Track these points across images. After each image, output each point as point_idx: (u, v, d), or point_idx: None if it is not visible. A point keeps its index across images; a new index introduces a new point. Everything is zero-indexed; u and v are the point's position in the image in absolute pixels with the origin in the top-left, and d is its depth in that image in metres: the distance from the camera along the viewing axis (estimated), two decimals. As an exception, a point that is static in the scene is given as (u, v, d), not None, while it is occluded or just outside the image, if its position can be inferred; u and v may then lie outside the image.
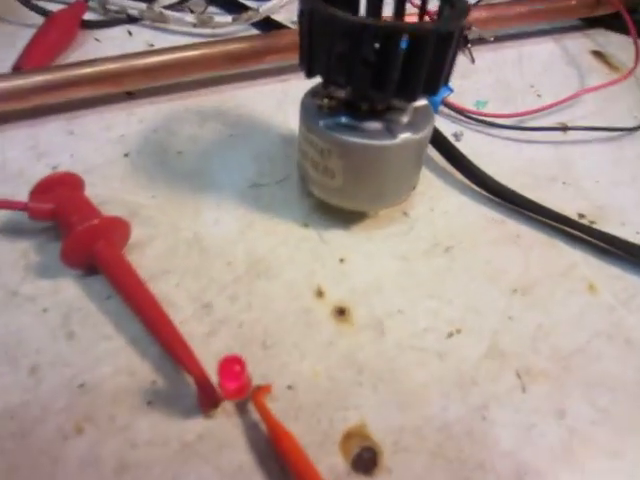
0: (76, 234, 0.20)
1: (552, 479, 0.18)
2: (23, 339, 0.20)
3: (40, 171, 0.26)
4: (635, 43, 0.35)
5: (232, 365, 0.17)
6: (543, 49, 0.39)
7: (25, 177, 0.26)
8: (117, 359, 0.20)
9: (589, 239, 0.26)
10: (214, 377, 0.18)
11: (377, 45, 0.19)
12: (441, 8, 0.21)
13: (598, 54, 0.39)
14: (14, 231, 0.23)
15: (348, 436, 0.19)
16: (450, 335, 0.22)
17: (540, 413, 0.20)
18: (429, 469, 0.18)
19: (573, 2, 0.37)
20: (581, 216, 0.27)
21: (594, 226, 0.26)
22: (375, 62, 0.19)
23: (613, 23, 0.41)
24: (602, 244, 0.25)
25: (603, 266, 0.25)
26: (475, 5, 0.39)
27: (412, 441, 0.19)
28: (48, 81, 0.28)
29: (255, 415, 0.18)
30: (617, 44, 0.40)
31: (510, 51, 0.38)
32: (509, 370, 0.21)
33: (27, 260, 0.22)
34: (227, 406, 0.19)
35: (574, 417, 0.20)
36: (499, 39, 0.38)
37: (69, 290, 0.21)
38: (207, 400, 0.18)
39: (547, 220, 0.26)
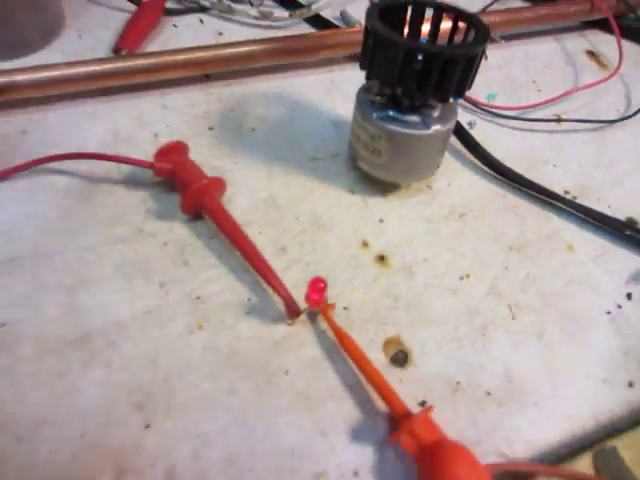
0: (192, 191, 0.27)
1: (531, 378, 0.25)
2: (151, 263, 0.27)
3: (144, 137, 0.32)
4: (619, 46, 0.41)
5: (318, 283, 0.24)
6: (545, 48, 0.45)
7: (133, 141, 0.32)
8: (221, 282, 0.27)
9: (571, 210, 0.32)
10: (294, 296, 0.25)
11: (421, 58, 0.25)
12: (467, 32, 0.27)
13: (591, 53, 0.45)
14: (136, 183, 0.30)
15: (387, 342, 0.26)
16: (462, 278, 0.29)
17: (524, 334, 0.27)
18: (445, 365, 0.25)
19: (571, 9, 0.43)
20: (566, 192, 0.34)
21: (576, 200, 0.33)
22: (420, 71, 0.26)
23: (606, 25, 0.46)
24: (581, 215, 0.32)
25: (580, 232, 0.32)
26: (489, 10, 0.44)
27: (432, 347, 0.26)
28: (148, 64, 0.34)
29: (323, 324, 0.25)
30: (608, 44, 0.46)
31: (517, 49, 0.44)
32: (503, 304, 0.28)
33: (146, 206, 0.29)
34: (302, 317, 0.26)
35: (549, 338, 0.27)
36: (508, 38, 0.44)
37: (181, 230, 0.28)
38: (291, 311, 0.25)
39: (539, 195, 0.33)
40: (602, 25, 0.47)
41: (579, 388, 0.25)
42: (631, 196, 0.34)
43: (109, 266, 0.26)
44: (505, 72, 0.42)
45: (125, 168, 0.30)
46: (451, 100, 0.29)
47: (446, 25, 0.28)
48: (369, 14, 0.26)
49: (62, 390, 0.23)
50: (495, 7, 0.46)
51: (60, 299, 0.25)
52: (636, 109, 0.39)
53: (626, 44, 0.45)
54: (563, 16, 0.44)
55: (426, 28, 0.29)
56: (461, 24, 0.28)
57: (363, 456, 0.22)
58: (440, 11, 0.28)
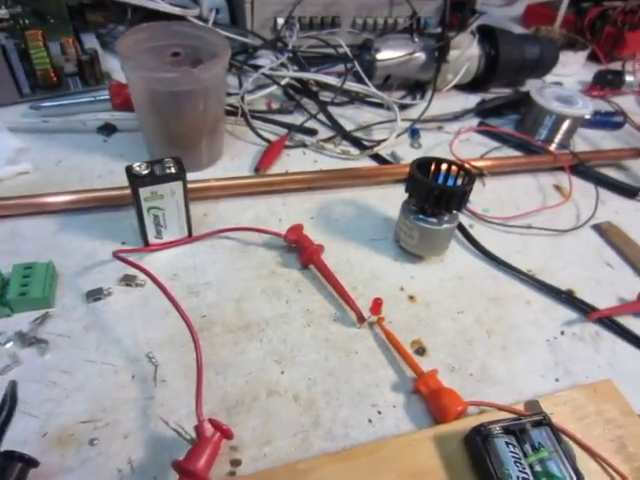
0: (307, 251, 0.46)
1: (497, 370, 0.42)
2: (280, 290, 0.46)
3: (273, 221, 0.52)
4: (569, 182, 0.61)
5: (377, 300, 0.42)
6: (525, 182, 0.64)
7: (267, 223, 0.52)
8: (320, 302, 0.45)
9: (530, 281, 0.50)
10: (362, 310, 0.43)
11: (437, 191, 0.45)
12: (458, 174, 0.47)
13: (557, 187, 0.64)
14: (271, 246, 0.49)
15: (413, 342, 0.43)
16: (459, 313, 0.46)
17: (494, 346, 0.44)
18: (446, 357, 0.42)
19: (541, 159, 0.63)
20: (529, 270, 0.52)
21: (535, 276, 0.51)
22: (437, 196, 0.45)
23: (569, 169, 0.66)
24: (536, 284, 0.50)
25: (536, 294, 0.49)
26: (486, 157, 0.65)
27: (440, 347, 0.43)
28: (275, 180, 0.55)
29: (377, 329, 0.43)
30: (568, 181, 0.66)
31: (506, 182, 0.64)
32: (483, 330, 0.45)
33: (277, 259, 0.48)
34: (366, 324, 0.44)
35: (510, 350, 0.44)
36: (500, 174, 0.64)
37: (297, 274, 0.47)
38: (359, 318, 0.43)
39: (511, 270, 0.51)
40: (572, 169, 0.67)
41: (525, 379, 0.42)
42: (571, 277, 0.52)
43: (258, 290, 0.46)
44: (496, 195, 0.62)
45: (265, 237, 0.50)
46: (454, 212, 0.48)
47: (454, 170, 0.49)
48: (412, 165, 0.47)
49: (237, 351, 0.41)
50: (492, 154, 0.67)
51: (232, 305, 0.44)
52: (581, 224, 0.58)
53: (579, 182, 0.65)
54: (536, 163, 0.64)
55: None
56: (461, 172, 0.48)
57: (398, 397, 0.39)
58: (449, 163, 0.48)
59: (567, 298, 0.49)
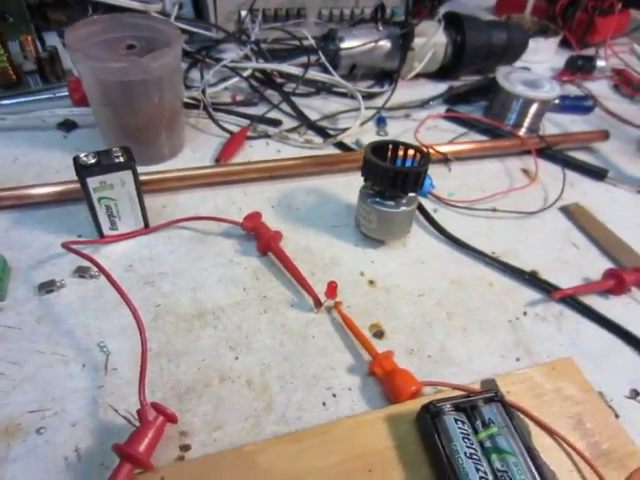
0: (264, 238, 0.46)
1: (456, 351, 0.43)
2: (238, 278, 0.46)
3: (234, 210, 0.53)
4: (535, 165, 0.62)
5: (332, 283, 0.42)
6: (492, 166, 0.65)
7: (227, 212, 0.52)
8: (277, 289, 0.45)
9: (494, 263, 0.50)
10: (319, 294, 0.43)
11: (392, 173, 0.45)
12: (415, 157, 0.48)
13: (524, 170, 0.65)
14: (229, 235, 0.50)
15: (372, 325, 0.43)
16: (419, 296, 0.46)
17: (454, 327, 0.44)
18: (405, 340, 0.43)
19: (506, 143, 0.64)
20: (493, 252, 0.52)
21: (500, 258, 0.51)
22: (391, 178, 0.46)
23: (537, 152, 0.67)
24: (500, 265, 0.50)
25: (499, 276, 0.49)
26: (453, 141, 0.66)
27: (398, 330, 0.43)
28: (236, 169, 0.55)
29: (335, 314, 0.43)
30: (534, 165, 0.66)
31: (472, 167, 0.64)
32: (444, 312, 0.45)
33: (235, 247, 0.48)
34: (323, 309, 0.44)
35: (470, 331, 0.44)
36: (467, 159, 0.65)
37: (255, 261, 0.47)
38: (316, 303, 0.43)
39: (474, 253, 0.51)
40: (538, 152, 0.67)
41: (485, 359, 0.42)
42: (537, 258, 0.52)
43: (215, 278, 0.46)
44: (462, 180, 0.62)
45: (223, 226, 0.50)
46: (411, 195, 0.48)
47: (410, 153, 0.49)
48: (366, 148, 0.47)
49: (191, 339, 0.41)
50: (461, 139, 0.67)
51: (188, 295, 0.44)
52: (547, 206, 0.59)
53: (547, 165, 0.66)
54: (502, 147, 0.65)
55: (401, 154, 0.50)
56: (417, 154, 0.48)
57: (354, 380, 0.39)
58: (405, 146, 0.49)
59: (530, 279, 0.49)
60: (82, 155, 0.42)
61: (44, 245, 0.46)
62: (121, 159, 0.42)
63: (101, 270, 0.40)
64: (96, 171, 0.41)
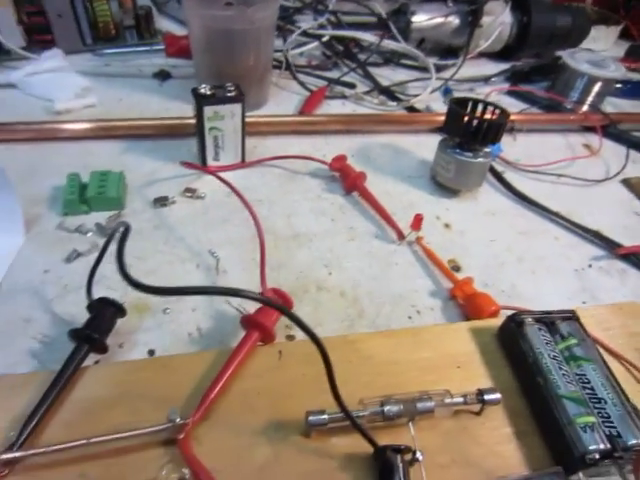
0: (350, 177, 0.51)
1: (528, 291, 0.47)
2: (326, 210, 0.50)
3: (317, 155, 0.57)
4: (600, 140, 0.65)
5: (418, 217, 0.47)
6: (555, 140, 0.68)
7: (314, 156, 0.57)
8: (363, 223, 0.49)
9: (559, 220, 0.54)
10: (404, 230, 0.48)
11: (475, 123, 0.50)
12: (499, 115, 0.52)
13: (586, 145, 0.69)
14: (316, 175, 0.55)
15: (449, 260, 0.48)
16: (491, 241, 0.50)
17: (526, 271, 0.48)
18: (479, 274, 0.47)
19: (571, 117, 0.68)
20: (558, 212, 0.56)
21: (566, 216, 0.55)
22: (473, 129, 0.50)
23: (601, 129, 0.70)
24: (564, 222, 0.54)
25: (564, 232, 0.53)
26: (520, 112, 0.70)
27: (473, 266, 0.48)
28: (317, 120, 0.60)
29: (416, 247, 0.48)
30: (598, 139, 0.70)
31: (536, 139, 0.68)
32: (513, 256, 0.49)
33: (322, 186, 0.53)
34: (405, 242, 0.48)
35: (539, 275, 0.48)
36: (530, 131, 0.69)
37: (341, 199, 0.52)
38: (399, 235, 0.48)
39: (540, 209, 0.55)
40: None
41: (553, 299, 0.45)
42: (598, 222, 0.55)
43: (305, 209, 0.50)
44: (526, 149, 0.65)
45: (310, 167, 0.55)
46: (486, 149, 0.53)
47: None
48: (450, 101, 0.51)
49: (289, 255, 0.45)
50: (527, 111, 0.71)
51: (283, 219, 0.49)
52: (610, 177, 0.62)
53: (610, 143, 0.69)
54: (566, 121, 0.68)
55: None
56: (496, 111, 0.52)
57: (435, 302, 0.44)
58: (485, 104, 0.53)
59: (595, 235, 0.53)
60: (201, 86, 0.47)
61: (153, 169, 0.52)
62: (234, 93, 0.47)
63: (230, 187, 0.46)
64: (212, 101, 0.47)
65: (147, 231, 0.45)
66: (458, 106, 0.52)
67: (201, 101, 0.46)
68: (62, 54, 0.62)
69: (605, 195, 0.60)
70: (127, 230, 0.29)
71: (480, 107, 0.53)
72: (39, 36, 0.65)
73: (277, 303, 0.36)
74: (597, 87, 0.71)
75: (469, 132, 0.50)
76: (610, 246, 0.52)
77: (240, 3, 0.57)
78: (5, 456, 0.26)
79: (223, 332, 0.38)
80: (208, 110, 0.47)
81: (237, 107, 0.48)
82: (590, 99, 0.72)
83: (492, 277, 0.47)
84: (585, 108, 0.72)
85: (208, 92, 0.47)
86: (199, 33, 0.56)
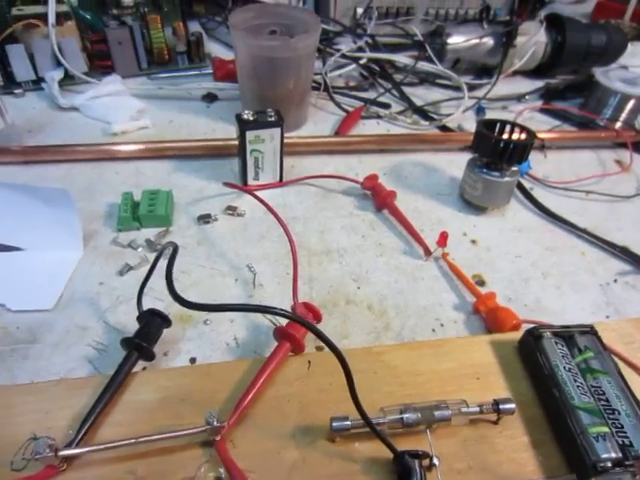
0: (381, 196, 0.53)
1: (551, 305, 0.47)
2: (357, 227, 0.52)
3: (350, 174, 0.59)
4: (631, 156, 0.65)
5: (444, 234, 0.48)
6: (586, 156, 0.68)
7: (347, 175, 0.59)
8: (392, 238, 0.51)
9: (586, 236, 0.54)
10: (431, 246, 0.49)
11: (502, 144, 0.50)
12: (522, 134, 0.52)
13: (618, 161, 0.68)
14: (349, 193, 0.56)
15: (474, 275, 0.48)
16: (516, 257, 0.51)
17: (549, 286, 0.48)
18: (503, 289, 0.48)
19: (602, 134, 0.67)
20: (584, 228, 0.56)
21: (594, 232, 0.55)
22: (501, 149, 0.51)
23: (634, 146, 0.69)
24: (591, 239, 0.54)
25: (590, 247, 0.53)
26: (551, 130, 0.69)
27: (499, 281, 0.48)
28: (352, 140, 0.62)
29: (442, 262, 0.49)
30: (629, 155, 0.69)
31: (566, 155, 0.68)
32: (539, 271, 0.50)
33: (355, 203, 0.55)
34: (431, 258, 0.50)
35: (564, 290, 0.48)
36: (562, 148, 0.68)
37: (372, 215, 0.54)
38: (426, 251, 0.49)
39: (567, 226, 0.55)
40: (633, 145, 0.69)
41: (577, 313, 0.46)
42: (627, 237, 0.55)
43: (338, 225, 0.52)
44: (557, 166, 0.65)
45: (344, 185, 0.57)
46: (514, 168, 0.53)
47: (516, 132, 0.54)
48: (478, 123, 0.52)
49: (321, 270, 0.48)
50: (557, 129, 0.71)
51: (316, 236, 0.51)
52: (638, 193, 0.61)
53: (641, 158, 0.68)
54: (597, 138, 0.68)
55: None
56: (523, 132, 0.53)
57: (459, 315, 0.45)
58: (512, 125, 0.54)
59: (622, 251, 0.52)
60: (244, 112, 0.50)
61: (198, 188, 0.55)
62: (274, 118, 0.50)
63: (265, 205, 0.49)
64: (254, 126, 0.49)
65: (191, 246, 0.48)
66: (487, 127, 0.53)
67: (244, 126, 0.49)
68: (120, 79, 0.66)
69: (635, 211, 0.59)
70: (175, 251, 0.32)
71: (508, 128, 0.54)
72: (100, 62, 0.70)
73: (306, 317, 0.38)
74: (630, 104, 0.70)
75: (496, 153, 0.50)
76: (637, 261, 0.51)
77: (283, 32, 0.60)
78: (65, 452, 0.29)
79: (258, 342, 0.40)
80: (250, 134, 0.50)
81: (276, 131, 0.50)
82: (624, 116, 0.71)
83: (516, 292, 0.47)
84: (618, 125, 0.71)
85: (250, 117, 0.50)
86: (245, 60, 0.59)
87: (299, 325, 0.37)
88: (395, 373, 0.38)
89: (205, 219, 0.50)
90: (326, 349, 0.41)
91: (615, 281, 0.50)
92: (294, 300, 0.40)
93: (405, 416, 0.32)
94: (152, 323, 0.36)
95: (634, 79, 0.70)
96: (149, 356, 0.35)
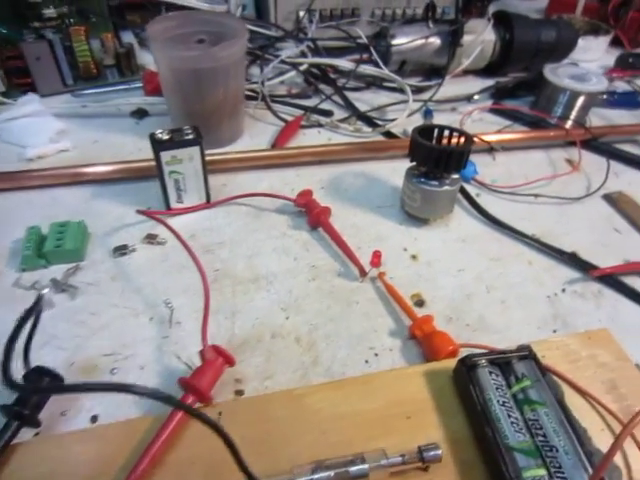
0: (314, 213, 0.49)
1: (494, 320, 0.44)
2: (290, 249, 0.48)
3: (286, 190, 0.55)
4: (579, 155, 0.62)
5: (377, 252, 0.44)
6: (537, 156, 0.65)
7: (282, 192, 0.55)
8: (326, 259, 0.47)
9: (533, 243, 0.51)
10: (364, 266, 0.45)
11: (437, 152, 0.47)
12: (464, 141, 0.49)
13: (568, 160, 0.65)
14: (283, 211, 0.53)
15: (413, 295, 0.45)
16: (459, 270, 0.47)
17: (493, 300, 0.45)
18: (444, 309, 0.44)
19: (551, 133, 0.64)
20: (533, 234, 0.52)
21: (540, 239, 0.52)
22: (436, 158, 0.47)
23: (585, 143, 0.66)
24: (538, 245, 0.51)
25: (537, 255, 0.50)
26: (499, 131, 0.66)
27: (439, 300, 0.45)
28: (289, 153, 0.58)
29: (378, 283, 0.45)
30: (583, 156, 0.66)
31: (517, 156, 0.65)
32: (483, 285, 0.46)
33: (288, 222, 0.51)
34: (367, 279, 0.46)
35: (509, 304, 0.45)
36: (511, 149, 0.65)
37: (306, 234, 0.50)
38: (361, 272, 0.45)
39: (513, 234, 0.52)
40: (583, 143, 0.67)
41: (522, 329, 0.43)
42: (577, 241, 0.52)
43: (269, 248, 0.48)
44: (506, 168, 0.62)
45: (277, 203, 0.53)
46: (454, 175, 0.50)
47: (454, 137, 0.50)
48: (413, 131, 0.49)
49: (246, 300, 0.44)
50: (506, 130, 0.68)
51: (244, 261, 0.47)
52: (590, 193, 0.58)
53: (593, 156, 0.65)
54: (547, 137, 0.65)
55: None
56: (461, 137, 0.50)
57: (394, 342, 0.41)
58: (450, 130, 0.50)
59: (569, 258, 0.49)
60: (157, 131, 0.45)
61: (119, 215, 0.51)
62: (191, 136, 0.46)
63: (173, 233, 0.44)
64: (168, 146, 0.45)
65: (104, 283, 0.44)
66: (424, 133, 0.49)
67: (157, 147, 0.45)
68: (38, 98, 0.62)
69: (585, 213, 0.56)
70: (36, 309, 0.27)
71: (447, 133, 0.51)
72: (18, 79, 0.65)
73: (215, 362, 0.34)
74: (580, 101, 0.67)
75: (432, 159, 0.47)
76: (586, 268, 0.48)
77: (212, 41, 0.56)
78: None
79: (171, 390, 0.36)
80: (165, 155, 0.46)
81: (195, 150, 0.46)
82: (574, 113, 0.68)
83: (458, 310, 0.44)
84: (569, 122, 0.69)
85: (165, 137, 0.46)
86: (167, 73, 0.55)
87: (207, 371, 0.33)
88: (317, 418, 0.34)
89: (121, 251, 0.46)
90: (244, 395, 0.37)
91: (563, 291, 0.47)
92: (203, 343, 0.35)
93: (316, 477, 0.28)
94: (38, 385, 0.32)
95: (583, 75, 0.68)
96: (34, 423, 0.31)
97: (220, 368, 0.35)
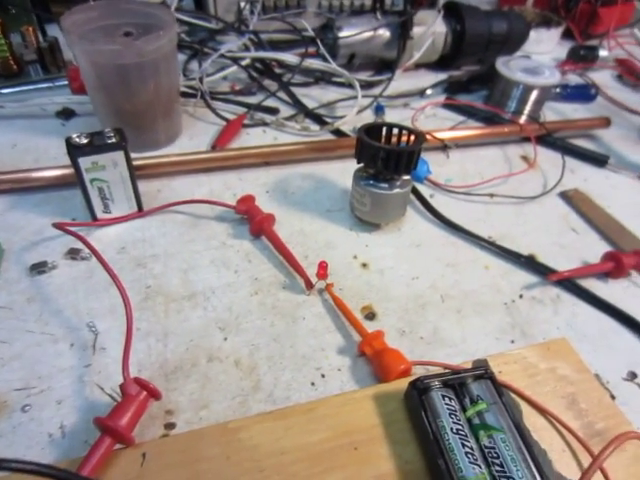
0: (256, 221, 0.46)
1: (450, 333, 0.41)
2: (230, 260, 0.45)
3: (228, 195, 0.52)
4: (534, 151, 0.60)
5: (322, 263, 0.41)
6: (492, 153, 0.64)
7: (221, 197, 0.52)
8: (269, 271, 0.44)
9: (489, 247, 0.49)
10: (311, 277, 0.42)
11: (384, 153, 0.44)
12: (414, 139, 0.47)
13: (524, 157, 0.64)
14: (222, 218, 0.49)
15: (363, 307, 0.42)
16: (413, 279, 0.45)
17: (448, 310, 0.43)
18: (397, 321, 0.42)
19: (506, 129, 0.63)
20: (489, 237, 0.51)
21: (496, 242, 0.50)
22: (384, 159, 0.45)
23: (539, 139, 0.65)
24: (495, 249, 0.49)
25: (495, 260, 0.48)
26: (452, 128, 0.65)
27: (390, 312, 0.42)
28: (231, 155, 0.54)
29: (326, 296, 0.43)
30: (538, 152, 0.65)
31: (471, 154, 0.63)
32: (438, 294, 0.44)
33: (228, 230, 0.48)
34: (314, 291, 0.43)
35: (465, 313, 0.43)
36: (466, 146, 0.64)
37: (248, 244, 0.46)
38: (308, 285, 0.42)
39: (470, 237, 0.50)
40: (537, 139, 0.66)
41: (479, 341, 0.41)
42: (535, 242, 0.51)
43: (207, 260, 0.45)
44: (461, 167, 0.61)
45: (217, 210, 0.50)
46: (406, 176, 0.48)
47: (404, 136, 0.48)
48: (359, 130, 0.46)
49: (180, 319, 0.40)
50: (460, 126, 0.66)
51: (179, 276, 0.43)
52: (546, 191, 0.57)
53: (548, 152, 0.64)
54: (501, 134, 0.63)
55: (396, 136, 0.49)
56: (411, 136, 0.47)
57: (343, 360, 0.38)
58: (400, 129, 0.48)
59: (527, 262, 0.48)
60: (74, 135, 0.41)
61: (38, 228, 0.46)
62: (113, 140, 0.42)
63: (91, 249, 0.39)
64: (87, 151, 0.41)
65: (18, 306, 0.39)
66: (371, 132, 0.46)
67: (75, 152, 0.41)
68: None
69: (542, 212, 0.55)
70: None
71: (396, 131, 0.48)
72: None
73: (139, 396, 0.30)
74: (534, 95, 0.66)
75: (380, 160, 0.44)
76: (543, 272, 0.47)
77: (140, 33, 0.52)
78: None
79: (90, 428, 0.32)
80: (84, 161, 0.41)
81: (119, 155, 0.42)
82: (528, 108, 0.67)
83: (411, 322, 0.42)
84: (524, 117, 0.68)
85: (83, 141, 0.41)
86: (87, 69, 0.50)
87: (128, 407, 0.30)
88: (255, 455, 0.31)
89: (40, 268, 0.42)
90: (175, 429, 0.34)
91: (521, 297, 0.45)
92: (124, 375, 0.32)
93: (248, 529, 0.25)
94: None
95: (536, 68, 0.67)
96: None
97: (144, 403, 0.31)
